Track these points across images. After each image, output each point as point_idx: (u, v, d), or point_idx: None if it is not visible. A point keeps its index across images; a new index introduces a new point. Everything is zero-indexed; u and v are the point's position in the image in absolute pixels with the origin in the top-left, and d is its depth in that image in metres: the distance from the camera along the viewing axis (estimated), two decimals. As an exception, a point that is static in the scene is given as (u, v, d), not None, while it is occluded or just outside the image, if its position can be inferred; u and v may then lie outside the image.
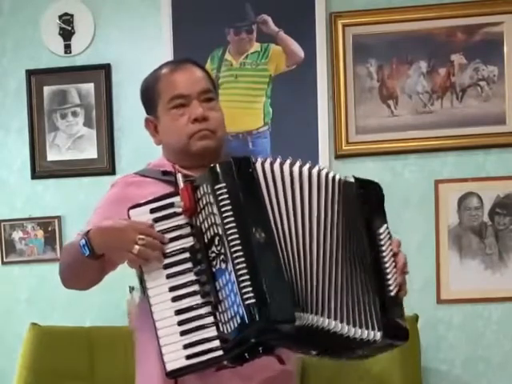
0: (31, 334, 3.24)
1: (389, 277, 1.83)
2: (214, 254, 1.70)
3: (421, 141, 3.34)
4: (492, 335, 3.34)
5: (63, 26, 3.53)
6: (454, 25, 3.33)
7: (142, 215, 1.77)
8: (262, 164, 1.76)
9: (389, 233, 1.86)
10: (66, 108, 3.53)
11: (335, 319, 1.73)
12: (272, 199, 1.74)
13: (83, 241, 1.78)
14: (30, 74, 3.53)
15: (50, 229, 3.53)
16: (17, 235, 3.54)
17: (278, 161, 1.78)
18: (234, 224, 1.66)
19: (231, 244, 1.66)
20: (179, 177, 1.77)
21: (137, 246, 1.70)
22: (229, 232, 1.66)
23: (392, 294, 1.82)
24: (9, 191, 3.56)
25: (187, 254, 1.74)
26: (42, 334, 3.24)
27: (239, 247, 1.65)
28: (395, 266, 1.86)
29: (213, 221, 1.70)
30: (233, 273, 1.65)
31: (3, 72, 3.57)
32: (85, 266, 1.84)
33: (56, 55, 3.54)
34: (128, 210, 1.78)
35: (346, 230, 1.81)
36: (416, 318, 3.12)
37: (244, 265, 1.64)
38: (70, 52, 3.53)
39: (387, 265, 1.83)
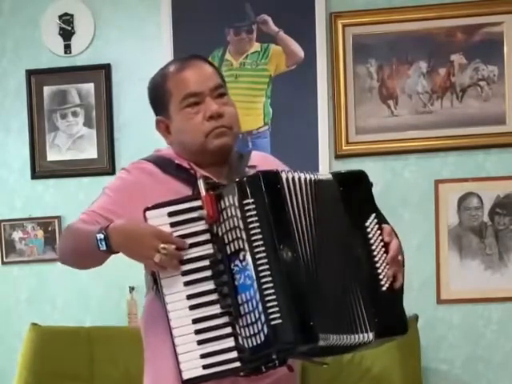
0: (31, 334, 3.24)
1: (379, 271, 1.79)
2: (237, 268, 1.69)
3: (421, 141, 3.34)
4: (492, 335, 3.34)
5: (63, 26, 3.53)
6: (453, 25, 3.33)
7: (160, 218, 1.75)
8: (287, 179, 1.75)
9: (378, 223, 1.82)
10: (65, 108, 3.53)
11: (337, 332, 1.73)
12: (295, 214, 1.74)
13: (101, 235, 1.75)
14: (30, 73, 3.53)
15: (50, 229, 3.53)
16: (17, 235, 3.54)
17: (297, 175, 1.77)
18: (261, 242, 1.67)
19: (258, 262, 1.66)
20: (201, 182, 1.75)
21: (158, 255, 1.69)
22: (256, 250, 1.67)
23: (384, 287, 1.78)
24: (9, 191, 3.56)
25: (206, 262, 1.74)
26: (42, 334, 3.24)
27: (266, 266, 1.66)
28: (386, 257, 1.81)
29: (238, 235, 1.69)
30: (258, 292, 1.65)
31: (3, 72, 3.57)
32: (93, 256, 1.82)
33: (56, 55, 3.54)
34: (144, 212, 1.76)
35: (331, 234, 1.79)
36: (416, 317, 3.12)
37: (271, 284, 1.65)
38: (70, 52, 3.53)
39: (376, 259, 1.79)
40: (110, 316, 3.38)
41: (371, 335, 1.75)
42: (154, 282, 1.83)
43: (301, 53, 3.38)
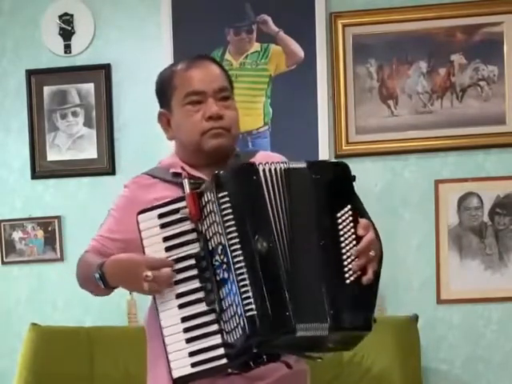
0: (31, 334, 3.24)
1: (344, 263, 1.72)
2: (217, 263, 1.70)
3: (421, 141, 3.34)
4: (492, 335, 3.34)
5: (63, 26, 3.53)
6: (453, 25, 3.33)
7: (151, 220, 1.78)
8: (264, 170, 1.75)
9: (353, 214, 1.75)
10: (66, 108, 3.53)
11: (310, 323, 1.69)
12: (273, 205, 1.73)
13: (97, 275, 1.82)
14: (30, 73, 3.53)
15: (50, 229, 3.53)
16: (17, 235, 3.54)
17: (274, 166, 1.76)
18: (235, 234, 1.67)
19: (233, 254, 1.66)
20: (185, 182, 1.77)
21: (146, 284, 1.72)
22: (231, 242, 1.67)
23: (347, 281, 1.71)
24: (9, 191, 3.56)
25: (193, 261, 1.75)
26: (42, 334, 3.24)
27: (241, 257, 1.66)
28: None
29: (216, 229, 1.70)
30: (235, 283, 1.65)
31: (3, 72, 3.57)
32: (99, 289, 1.88)
33: (56, 55, 3.54)
34: (137, 216, 1.79)
35: (304, 225, 1.75)
36: (416, 318, 3.12)
37: (245, 276, 1.65)
38: (70, 52, 3.53)
39: (343, 250, 1.73)
40: (110, 316, 3.38)
41: (326, 325, 1.67)
42: None
43: (301, 53, 3.38)
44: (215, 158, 1.91)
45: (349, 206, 1.76)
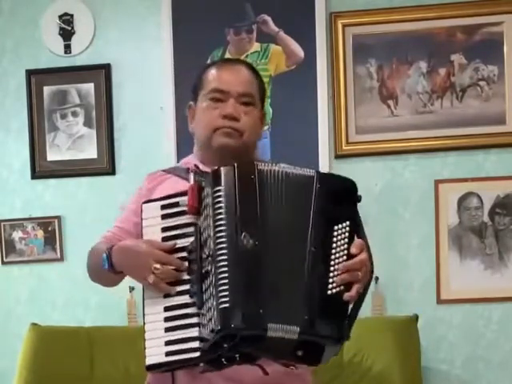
0: (31, 334, 3.24)
1: (330, 274, 1.70)
2: (205, 255, 1.71)
3: (421, 141, 3.34)
4: (492, 335, 3.34)
5: (63, 26, 3.53)
6: (453, 25, 3.33)
7: (153, 210, 1.80)
8: (263, 171, 1.75)
9: (350, 231, 1.74)
10: (66, 108, 3.53)
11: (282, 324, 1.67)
12: (266, 206, 1.73)
13: (104, 255, 1.83)
14: (30, 73, 3.53)
15: (49, 229, 3.53)
16: (17, 235, 3.54)
17: (276, 168, 1.76)
18: (223, 227, 1.68)
19: (218, 247, 1.67)
20: (191, 175, 1.79)
21: (152, 276, 1.72)
22: (217, 235, 1.68)
23: (328, 292, 1.69)
24: (9, 191, 3.56)
25: (184, 253, 1.76)
26: (42, 334, 3.24)
27: (224, 251, 1.66)
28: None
29: (209, 223, 1.71)
30: (215, 276, 1.66)
31: (3, 72, 3.57)
32: (105, 274, 1.88)
33: (56, 55, 3.54)
34: (141, 205, 1.83)
35: (296, 230, 1.75)
36: (416, 317, 3.12)
37: (225, 269, 1.65)
38: (70, 52, 3.53)
39: (332, 262, 1.71)
40: (110, 316, 3.38)
41: (297, 329, 1.66)
42: None
43: (301, 53, 3.38)
44: (224, 158, 1.89)
45: (347, 223, 1.75)
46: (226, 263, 1.65)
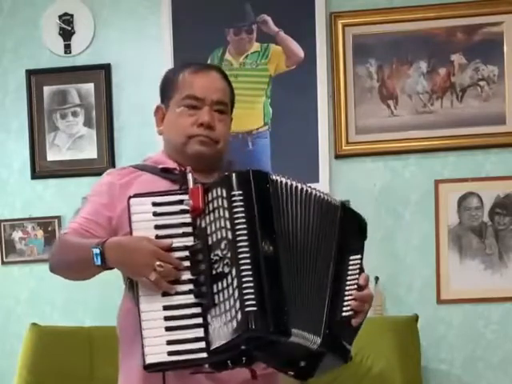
0: (31, 334, 3.24)
1: (345, 298, 1.81)
2: (217, 257, 1.69)
3: (421, 141, 3.34)
4: (492, 335, 3.34)
5: (63, 26, 3.53)
6: (453, 25, 3.33)
7: (144, 206, 1.77)
8: (277, 181, 1.77)
9: (360, 264, 1.86)
10: (66, 108, 3.53)
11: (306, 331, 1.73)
12: (280, 215, 1.75)
13: (97, 250, 1.76)
14: (30, 73, 3.53)
15: (49, 229, 3.53)
16: (17, 235, 3.54)
17: (289, 180, 1.80)
18: (245, 232, 1.68)
19: (240, 250, 1.67)
20: (190, 176, 1.78)
21: (154, 273, 1.70)
22: (239, 238, 1.67)
23: (344, 314, 1.80)
24: (9, 191, 3.56)
25: (186, 253, 1.74)
26: (42, 334, 3.24)
27: (247, 254, 1.66)
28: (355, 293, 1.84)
29: (222, 225, 1.70)
30: (236, 278, 1.65)
31: (3, 72, 3.57)
32: (88, 270, 1.83)
33: (56, 55, 3.54)
34: (128, 199, 1.78)
35: (319, 244, 1.81)
36: (416, 318, 3.12)
37: (250, 272, 1.65)
38: (70, 52, 3.53)
39: (347, 288, 1.82)
40: (110, 316, 3.37)
41: (319, 340, 1.74)
42: (128, 278, 1.85)
43: (301, 53, 3.38)
44: (198, 164, 1.91)
45: (359, 256, 1.86)
46: (249, 267, 1.65)
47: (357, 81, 3.37)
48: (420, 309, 3.20)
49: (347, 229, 1.86)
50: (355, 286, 1.82)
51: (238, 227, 1.68)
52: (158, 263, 1.70)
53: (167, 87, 2.01)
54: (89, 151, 3.52)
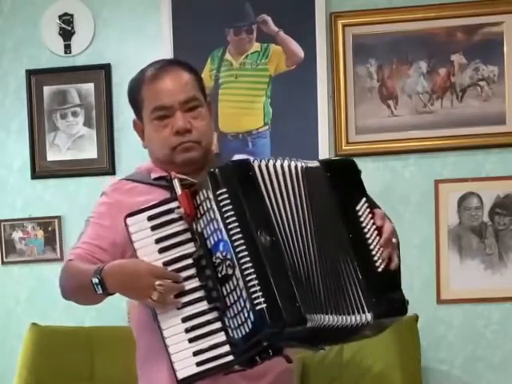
0: (31, 333, 3.24)
1: (373, 253, 1.79)
2: (219, 260, 1.69)
3: (421, 141, 3.34)
4: (492, 335, 3.34)
5: (63, 25, 3.53)
6: (453, 25, 3.33)
7: (140, 223, 1.77)
8: (259, 166, 1.75)
9: (369, 206, 1.83)
10: (66, 108, 3.53)
11: (330, 313, 1.72)
12: (272, 199, 1.74)
13: (96, 280, 1.76)
14: (30, 73, 3.53)
15: (50, 229, 3.53)
16: (17, 235, 3.54)
17: (270, 160, 1.78)
18: (238, 229, 1.67)
19: (237, 250, 1.66)
20: (176, 182, 1.77)
21: (156, 293, 1.70)
22: (234, 238, 1.67)
23: (379, 269, 1.78)
24: (9, 191, 3.56)
25: (189, 261, 1.74)
26: (42, 334, 3.24)
27: (245, 252, 1.66)
28: (380, 240, 1.82)
29: (216, 226, 1.70)
30: (241, 278, 1.65)
31: (3, 72, 3.57)
32: (93, 296, 1.83)
33: (56, 55, 3.54)
34: (125, 219, 1.78)
35: (319, 217, 1.78)
36: (416, 318, 3.12)
37: (252, 270, 1.65)
38: (70, 52, 3.53)
39: (369, 241, 1.80)
40: (110, 316, 3.38)
41: (369, 316, 1.74)
42: None
43: (301, 53, 3.38)
44: (190, 169, 1.90)
45: (364, 199, 1.83)
46: (250, 264, 1.65)
47: (357, 81, 3.37)
48: (420, 309, 3.20)
49: (339, 182, 1.82)
50: (376, 232, 1.81)
51: (231, 226, 1.67)
52: (157, 283, 1.70)
53: (134, 102, 1.98)
54: (89, 151, 3.52)
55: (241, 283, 1.65)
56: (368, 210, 1.83)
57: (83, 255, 1.90)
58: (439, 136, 3.34)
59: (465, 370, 3.34)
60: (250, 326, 1.63)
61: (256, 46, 3.42)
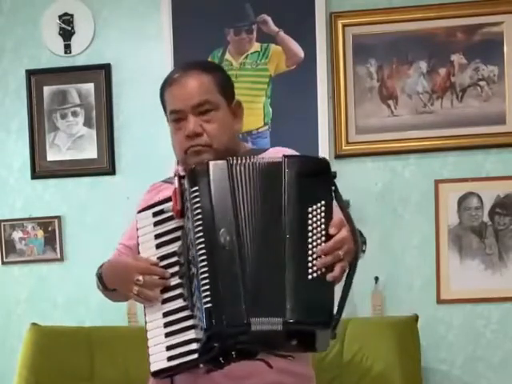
0: (31, 333, 3.24)
1: (308, 259, 1.66)
2: (190, 258, 1.72)
3: (421, 141, 3.34)
4: (492, 335, 3.34)
5: (63, 25, 3.53)
6: (453, 25, 3.33)
7: (147, 219, 1.83)
8: (235, 165, 1.75)
9: (326, 211, 1.69)
10: (66, 108, 3.53)
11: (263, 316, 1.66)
12: (239, 199, 1.74)
13: (96, 278, 1.92)
14: (29, 73, 3.53)
15: (50, 229, 3.53)
16: (17, 235, 3.54)
17: (248, 160, 1.76)
18: (201, 228, 1.69)
19: (197, 248, 1.69)
20: (175, 179, 1.80)
21: (136, 287, 1.77)
22: (196, 236, 1.69)
23: (309, 276, 1.65)
24: (9, 191, 3.56)
25: (175, 258, 1.78)
26: (42, 334, 3.24)
27: (203, 251, 1.68)
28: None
29: (191, 224, 1.73)
30: (199, 277, 1.67)
31: (3, 72, 3.57)
32: (106, 293, 1.97)
33: (56, 55, 3.54)
34: (136, 215, 1.86)
35: (265, 215, 1.73)
36: (416, 318, 3.12)
37: (206, 269, 1.66)
38: (70, 52, 3.53)
39: (309, 246, 1.67)
40: (110, 316, 3.38)
41: (280, 321, 1.64)
42: None
43: (301, 53, 3.38)
44: None
45: (322, 202, 1.70)
46: (205, 263, 1.67)
47: (357, 81, 3.37)
48: (420, 309, 3.20)
49: (297, 181, 1.73)
50: (322, 239, 1.67)
51: (196, 224, 1.70)
52: (136, 278, 1.75)
53: (162, 103, 2.03)
54: (89, 151, 3.51)
55: (198, 282, 1.68)
56: (323, 214, 1.69)
57: (116, 255, 2.04)
58: (439, 136, 3.34)
59: (465, 369, 3.34)
60: (203, 326, 1.65)
61: (256, 46, 3.42)
